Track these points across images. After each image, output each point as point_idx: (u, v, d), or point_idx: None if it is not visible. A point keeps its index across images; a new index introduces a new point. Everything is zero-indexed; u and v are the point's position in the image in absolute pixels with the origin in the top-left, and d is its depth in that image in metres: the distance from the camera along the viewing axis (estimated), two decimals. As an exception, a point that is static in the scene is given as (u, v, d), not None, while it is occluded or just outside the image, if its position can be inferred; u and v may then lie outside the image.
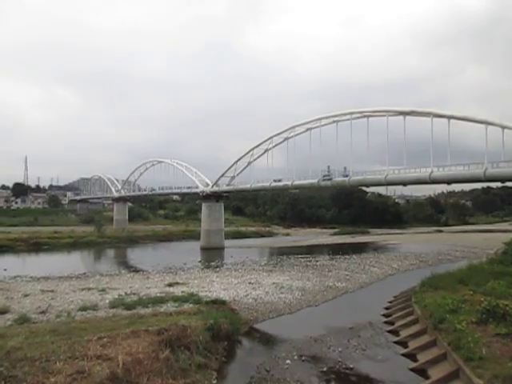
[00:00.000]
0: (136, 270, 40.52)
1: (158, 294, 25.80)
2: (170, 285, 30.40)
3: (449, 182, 41.86)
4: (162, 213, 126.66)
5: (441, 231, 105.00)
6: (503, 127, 34.54)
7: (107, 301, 24.00)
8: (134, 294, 26.48)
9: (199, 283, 31.45)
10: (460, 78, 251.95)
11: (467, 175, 38.46)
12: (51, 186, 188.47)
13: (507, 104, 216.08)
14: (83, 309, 21.67)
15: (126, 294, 26.52)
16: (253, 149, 62.50)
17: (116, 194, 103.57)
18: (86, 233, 72.97)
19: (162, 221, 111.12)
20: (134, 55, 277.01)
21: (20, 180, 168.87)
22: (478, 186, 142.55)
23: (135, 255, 58.40)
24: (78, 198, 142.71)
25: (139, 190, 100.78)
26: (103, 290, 28.23)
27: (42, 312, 21.14)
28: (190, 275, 36.30)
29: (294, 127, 56.41)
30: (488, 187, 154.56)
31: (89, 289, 28.69)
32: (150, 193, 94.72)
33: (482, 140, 36.27)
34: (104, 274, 37.73)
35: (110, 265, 46.20)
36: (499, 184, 43.21)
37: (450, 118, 38.82)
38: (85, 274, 37.66)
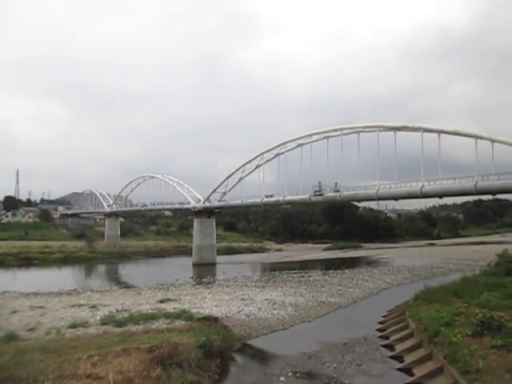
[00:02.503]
0: (127, 286, 40.05)
1: (150, 311, 25.53)
2: (161, 301, 30.06)
3: (440, 195, 42.03)
4: (154, 228, 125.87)
5: (433, 244, 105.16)
6: (493, 141, 34.87)
7: (98, 318, 23.65)
8: (125, 310, 26.11)
9: (191, 299, 31.12)
10: (447, 92, 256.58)
11: (458, 188, 38.69)
12: (42, 200, 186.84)
13: (493, 118, 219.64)
14: (73, 326, 21.30)
15: (117, 310, 26.14)
16: (244, 164, 62.62)
17: (108, 209, 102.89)
18: (77, 248, 71.95)
19: (153, 236, 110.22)
20: (127, 70, 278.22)
21: (11, 193, 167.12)
22: (470, 198, 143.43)
23: (127, 271, 57.69)
24: (69, 212, 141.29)
25: (131, 206, 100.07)
26: (94, 306, 27.82)
27: (31, 329, 20.71)
28: (182, 291, 35.95)
29: (285, 143, 56.60)
30: (479, 200, 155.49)
31: (79, 305, 28.25)
32: (141, 208, 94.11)
33: (472, 153, 36.66)
34: (95, 290, 37.25)
35: (101, 281, 45.64)
36: (490, 196, 43.44)
37: (439, 132, 39.17)
38: (75, 289, 37.12)
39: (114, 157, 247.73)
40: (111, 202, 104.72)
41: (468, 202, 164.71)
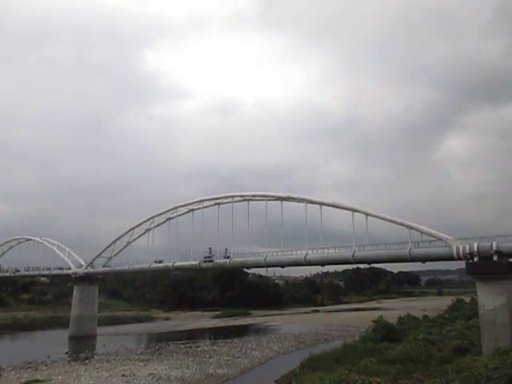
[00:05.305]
0: (-15, 368, 34.81)
1: (12, 396, 22.38)
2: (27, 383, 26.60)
3: (322, 263, 44.65)
4: (26, 297, 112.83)
5: (318, 311, 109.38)
6: (367, 214, 38.63)
7: None
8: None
9: (64, 379, 28.37)
10: (325, 168, 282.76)
11: (338, 257, 41.50)
12: None
13: (363, 193, 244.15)
14: None
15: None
16: (133, 228, 60.67)
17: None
18: None
19: (25, 306, 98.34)
20: (3, 127, 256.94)
21: None
22: (349, 266, 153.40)
23: (-14, 349, 50.30)
24: None
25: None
26: None
27: None
28: (54, 370, 32.64)
29: (176, 208, 56.44)
30: (358, 268, 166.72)
31: None
32: (12, 274, 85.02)
33: (349, 224, 40.00)
34: None
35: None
36: (367, 265, 47.53)
37: (321, 204, 42.43)
38: None
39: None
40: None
41: (348, 270, 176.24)
